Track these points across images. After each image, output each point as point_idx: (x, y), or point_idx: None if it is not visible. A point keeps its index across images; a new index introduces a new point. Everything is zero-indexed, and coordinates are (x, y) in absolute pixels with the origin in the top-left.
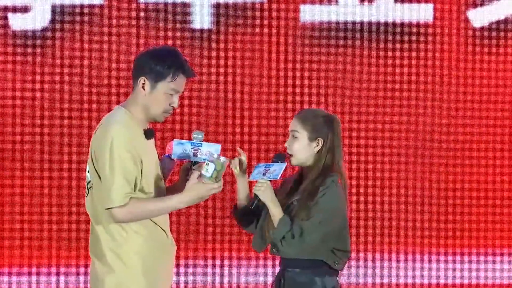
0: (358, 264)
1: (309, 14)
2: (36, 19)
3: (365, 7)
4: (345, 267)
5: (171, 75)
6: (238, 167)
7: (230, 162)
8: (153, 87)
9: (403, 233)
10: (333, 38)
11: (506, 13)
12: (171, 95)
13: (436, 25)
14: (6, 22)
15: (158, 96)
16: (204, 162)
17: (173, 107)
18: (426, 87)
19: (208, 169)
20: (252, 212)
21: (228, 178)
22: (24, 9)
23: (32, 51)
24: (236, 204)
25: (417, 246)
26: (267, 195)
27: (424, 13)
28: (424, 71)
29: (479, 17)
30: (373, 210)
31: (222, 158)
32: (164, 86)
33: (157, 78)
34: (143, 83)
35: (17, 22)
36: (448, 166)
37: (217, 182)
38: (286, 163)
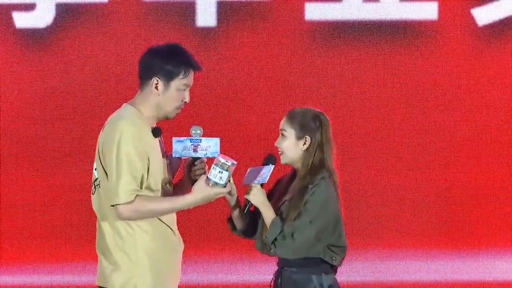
0: (356, 262)
1: (314, 12)
2: (40, 17)
3: (370, 5)
4: (343, 265)
5: (182, 72)
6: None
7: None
8: (166, 86)
9: (402, 231)
10: (338, 36)
11: (510, 12)
12: (183, 90)
13: (440, 23)
14: (10, 20)
15: (172, 94)
16: (204, 160)
17: (185, 102)
18: (430, 85)
19: (223, 177)
20: (252, 221)
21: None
22: (28, 7)
23: (36, 49)
24: (231, 219)
25: (417, 244)
26: (258, 199)
27: (429, 11)
28: (428, 69)
29: (483, 15)
30: (372, 208)
31: (230, 162)
32: (177, 83)
33: (170, 77)
34: (156, 84)
35: (21, 20)
36: (452, 165)
37: (225, 187)
38: (273, 165)
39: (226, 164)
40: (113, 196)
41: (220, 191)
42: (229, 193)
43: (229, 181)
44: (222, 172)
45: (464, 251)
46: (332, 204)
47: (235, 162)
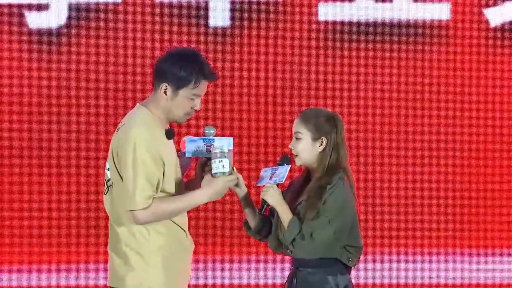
0: (367, 262)
1: (326, 12)
2: (53, 17)
3: (383, 5)
4: (357, 265)
5: (193, 82)
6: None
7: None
8: (175, 93)
9: (412, 232)
10: (350, 37)
11: None
12: (192, 99)
13: (453, 23)
14: (23, 20)
15: (180, 101)
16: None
17: (195, 109)
18: (443, 86)
19: (225, 165)
20: (266, 223)
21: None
22: (41, 7)
23: (49, 49)
24: (246, 220)
25: (429, 244)
26: (274, 199)
27: (441, 12)
28: (440, 69)
29: (496, 15)
30: (379, 209)
31: (225, 149)
32: (186, 92)
33: (179, 85)
34: (165, 89)
35: (34, 20)
36: (466, 165)
37: (230, 174)
38: (290, 165)
39: (223, 152)
40: (130, 202)
41: (227, 178)
42: (236, 184)
43: (234, 169)
44: (222, 160)
45: (472, 252)
46: (350, 204)
47: (231, 147)
